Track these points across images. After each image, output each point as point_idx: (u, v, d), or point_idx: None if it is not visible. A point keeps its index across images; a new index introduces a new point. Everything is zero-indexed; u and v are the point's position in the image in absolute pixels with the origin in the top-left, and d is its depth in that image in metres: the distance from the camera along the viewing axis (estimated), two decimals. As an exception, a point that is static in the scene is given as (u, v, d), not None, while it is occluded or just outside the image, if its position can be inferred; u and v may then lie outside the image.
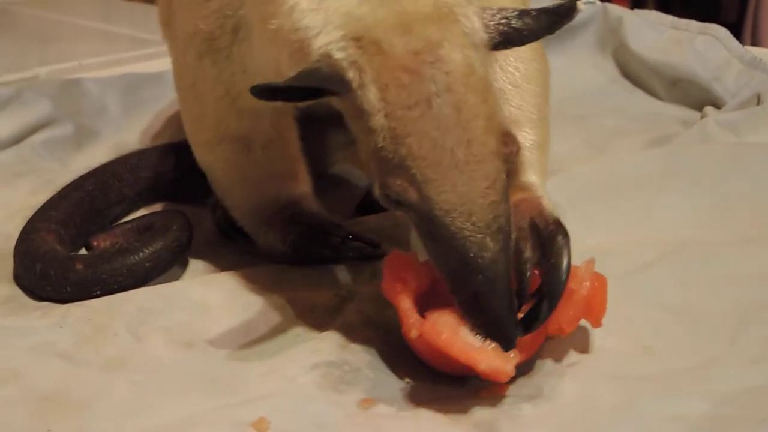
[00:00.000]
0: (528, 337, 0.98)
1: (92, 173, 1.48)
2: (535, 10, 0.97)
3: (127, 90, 1.92)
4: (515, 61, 1.19)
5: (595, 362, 1.02)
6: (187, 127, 1.34)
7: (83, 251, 1.38)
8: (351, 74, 0.93)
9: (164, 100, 1.89)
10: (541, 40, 1.01)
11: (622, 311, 1.14)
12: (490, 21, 0.96)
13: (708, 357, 1.05)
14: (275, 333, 1.13)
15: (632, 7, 2.26)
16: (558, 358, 1.05)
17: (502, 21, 0.96)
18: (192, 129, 1.32)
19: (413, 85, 0.90)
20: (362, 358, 1.06)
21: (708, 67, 1.84)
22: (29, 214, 1.37)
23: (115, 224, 1.44)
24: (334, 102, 0.98)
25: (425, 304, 1.00)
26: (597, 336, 1.01)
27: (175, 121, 1.85)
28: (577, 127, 1.77)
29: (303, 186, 1.31)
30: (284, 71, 1.00)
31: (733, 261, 1.25)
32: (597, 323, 1.01)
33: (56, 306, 1.21)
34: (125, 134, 1.81)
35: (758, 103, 1.73)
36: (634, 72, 1.96)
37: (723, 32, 1.89)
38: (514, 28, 0.96)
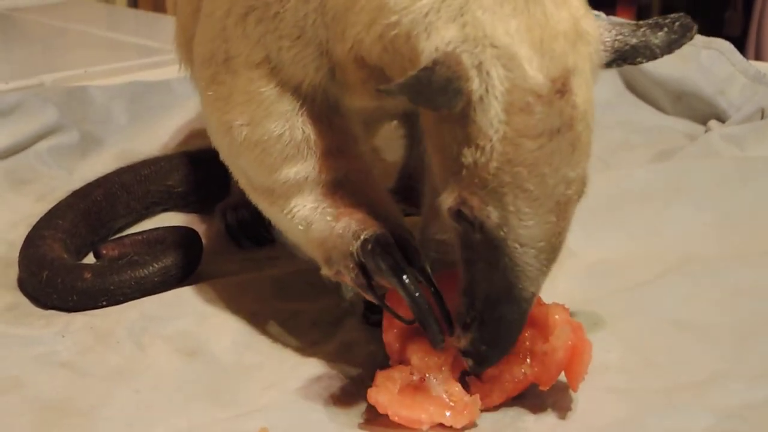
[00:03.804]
0: (504, 385, 0.98)
1: (101, 183, 1.48)
2: (648, 25, 0.91)
3: (133, 98, 1.91)
4: None
5: (599, 376, 1.02)
6: (218, 115, 1.11)
7: (89, 259, 1.38)
8: (476, 84, 0.84)
9: (171, 109, 1.88)
10: None
11: (627, 325, 1.15)
12: (607, 37, 0.90)
13: (713, 371, 1.05)
14: (277, 345, 1.13)
15: (638, 20, 2.26)
16: (561, 372, 1.05)
17: (618, 38, 0.90)
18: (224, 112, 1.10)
19: (541, 115, 0.84)
20: (365, 372, 1.05)
21: (712, 81, 1.84)
22: (34, 222, 1.37)
23: (126, 234, 1.44)
24: None
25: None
26: (601, 349, 1.01)
27: (181, 130, 1.85)
28: (582, 140, 1.77)
29: (353, 163, 1.08)
30: (367, 47, 0.93)
31: (738, 275, 1.25)
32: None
33: (60, 314, 1.22)
34: (131, 142, 1.81)
35: (762, 117, 1.73)
36: (639, 86, 1.96)
37: (727, 46, 1.89)
38: (631, 45, 0.90)
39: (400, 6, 0.89)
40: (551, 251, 0.90)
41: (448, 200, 0.90)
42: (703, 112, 1.84)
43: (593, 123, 0.89)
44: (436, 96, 0.85)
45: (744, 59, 1.89)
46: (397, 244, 0.98)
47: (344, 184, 1.06)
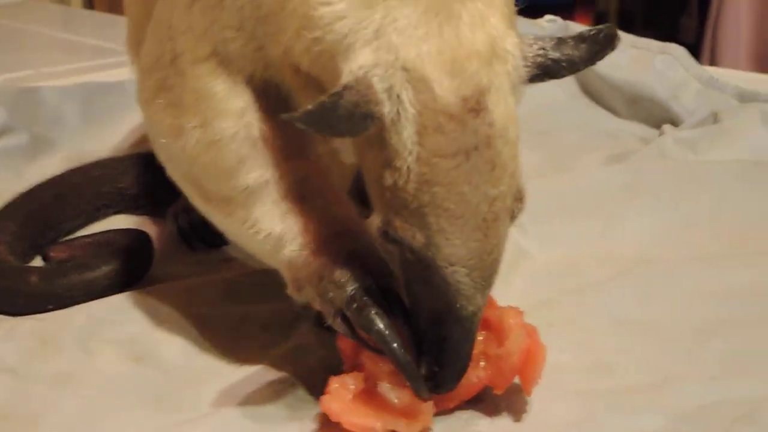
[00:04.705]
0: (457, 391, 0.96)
1: (50, 184, 1.45)
2: (572, 38, 0.91)
3: (86, 99, 1.88)
4: None
5: (552, 378, 1.01)
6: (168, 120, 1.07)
7: (37, 261, 1.35)
8: (387, 107, 0.85)
9: (125, 110, 1.85)
10: None
11: (580, 326, 1.15)
12: (528, 53, 0.90)
13: (666, 373, 1.05)
14: (227, 350, 1.11)
15: (595, 25, 2.27)
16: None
17: (540, 52, 0.90)
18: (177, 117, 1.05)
19: (455, 135, 0.85)
20: (317, 377, 1.03)
21: (666, 86, 1.86)
22: (-20, 224, 1.35)
23: (75, 237, 1.41)
24: None
25: None
26: (554, 351, 1.01)
27: (134, 131, 1.82)
28: (539, 143, 1.78)
29: (312, 165, 1.06)
30: (296, 56, 0.92)
31: (692, 277, 1.25)
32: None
33: (5, 318, 1.19)
34: (83, 144, 1.78)
35: (715, 122, 1.75)
36: (594, 89, 1.98)
37: (681, 52, 1.92)
38: (552, 59, 0.90)
39: (323, 21, 0.89)
40: (485, 269, 0.89)
41: (375, 222, 0.91)
42: (658, 116, 1.86)
43: (517, 138, 0.89)
44: (340, 123, 0.85)
45: (697, 64, 1.91)
46: (380, 290, 0.95)
47: (306, 191, 1.03)
